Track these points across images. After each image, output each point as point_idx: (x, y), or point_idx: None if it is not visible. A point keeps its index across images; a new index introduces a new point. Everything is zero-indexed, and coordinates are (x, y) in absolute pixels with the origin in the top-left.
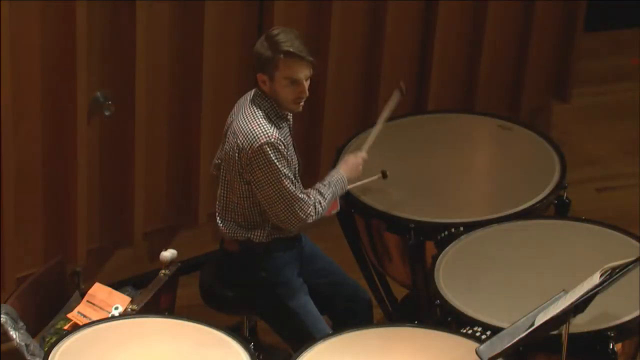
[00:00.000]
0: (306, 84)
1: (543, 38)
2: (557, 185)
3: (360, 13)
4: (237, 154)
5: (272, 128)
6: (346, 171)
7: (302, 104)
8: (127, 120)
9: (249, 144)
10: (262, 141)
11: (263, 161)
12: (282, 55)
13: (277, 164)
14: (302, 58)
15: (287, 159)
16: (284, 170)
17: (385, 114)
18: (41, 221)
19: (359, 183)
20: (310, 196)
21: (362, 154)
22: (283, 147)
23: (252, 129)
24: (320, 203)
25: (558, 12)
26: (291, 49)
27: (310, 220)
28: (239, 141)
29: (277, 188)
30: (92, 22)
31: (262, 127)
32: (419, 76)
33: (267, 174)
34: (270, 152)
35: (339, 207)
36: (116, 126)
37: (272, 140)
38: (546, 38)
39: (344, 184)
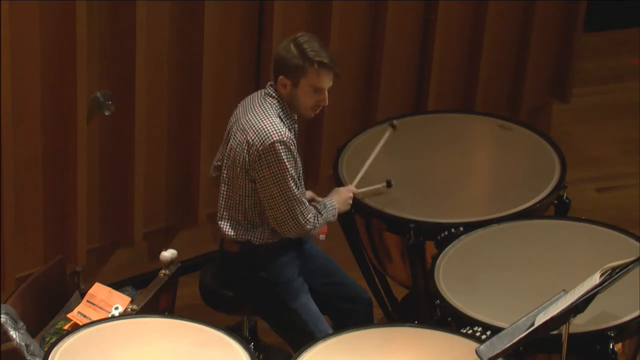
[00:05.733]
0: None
1: (543, 38)
2: (557, 185)
3: (360, 13)
4: (245, 150)
5: (285, 127)
6: (338, 202)
7: (317, 111)
8: (127, 120)
9: (260, 141)
10: (274, 139)
11: (273, 159)
12: (315, 65)
13: (287, 163)
14: (331, 69)
15: (296, 160)
16: (291, 171)
17: (377, 149)
18: (41, 221)
19: (364, 189)
20: (310, 206)
21: (352, 188)
22: (294, 147)
23: (264, 126)
24: (317, 217)
25: (558, 12)
26: (325, 60)
27: (306, 229)
28: (249, 137)
29: (281, 188)
30: (91, 22)
31: (275, 125)
32: (419, 76)
33: (275, 173)
34: (281, 150)
35: (327, 232)
36: (116, 126)
37: (285, 139)
38: (546, 38)
39: (335, 213)
